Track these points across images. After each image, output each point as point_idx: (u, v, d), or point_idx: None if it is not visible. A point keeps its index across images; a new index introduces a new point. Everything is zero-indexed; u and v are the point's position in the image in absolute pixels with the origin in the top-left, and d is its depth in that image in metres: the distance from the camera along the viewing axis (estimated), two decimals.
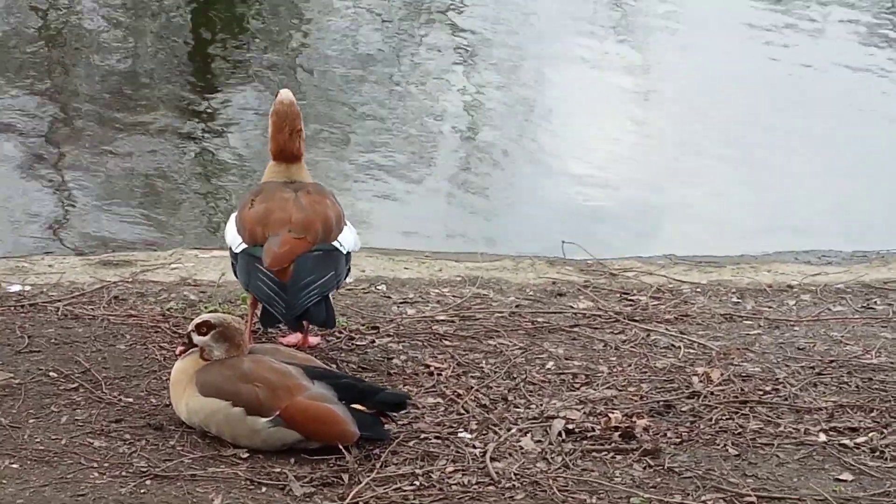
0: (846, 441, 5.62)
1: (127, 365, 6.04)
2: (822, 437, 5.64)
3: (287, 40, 12.27)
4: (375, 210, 9.11)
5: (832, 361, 6.34)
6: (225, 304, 6.65)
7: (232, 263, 6.15)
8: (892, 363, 6.33)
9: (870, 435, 5.66)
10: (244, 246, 6.02)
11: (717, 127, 10.65)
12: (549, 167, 9.93)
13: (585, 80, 11.74)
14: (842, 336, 6.67)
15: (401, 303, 6.91)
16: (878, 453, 5.53)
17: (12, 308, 6.53)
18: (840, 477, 5.36)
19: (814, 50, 12.46)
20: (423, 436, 5.57)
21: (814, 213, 9.21)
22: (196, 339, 5.56)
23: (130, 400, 5.76)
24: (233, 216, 6.20)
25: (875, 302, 7.17)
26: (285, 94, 6.21)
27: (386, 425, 5.54)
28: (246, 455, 5.41)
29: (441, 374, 6.08)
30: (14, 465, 5.27)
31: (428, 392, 5.94)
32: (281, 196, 6.08)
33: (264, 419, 5.41)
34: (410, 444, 5.51)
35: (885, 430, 5.70)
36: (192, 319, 5.65)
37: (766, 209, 9.37)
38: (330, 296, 5.88)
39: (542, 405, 5.85)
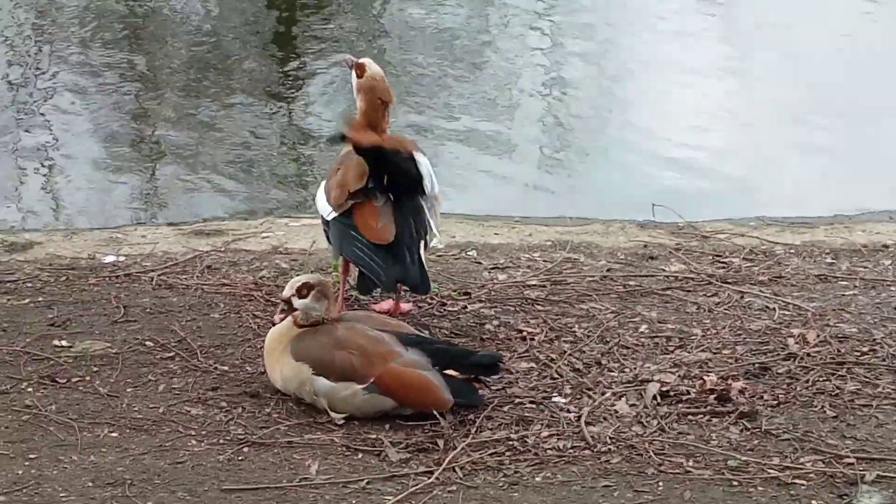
0: None
1: (221, 333, 6.09)
2: None
3: (371, 11, 12.27)
4: (465, 176, 9.08)
5: None
6: (318, 272, 6.66)
7: (325, 231, 6.16)
8: None
9: None
10: (335, 213, 6.02)
11: (812, 93, 10.52)
12: (638, 132, 9.84)
13: (675, 52, 11.61)
14: None
15: (491, 268, 6.90)
16: None
17: (107, 279, 6.61)
18: None
19: None
20: (517, 401, 5.57)
21: None
22: (297, 302, 5.57)
23: (226, 368, 5.81)
24: (322, 184, 6.21)
25: None
26: (375, 69, 6.18)
27: (480, 391, 5.54)
28: (342, 422, 5.43)
29: (534, 339, 6.07)
30: (113, 434, 5.34)
31: (521, 357, 5.93)
32: (358, 160, 6.03)
33: (359, 386, 5.43)
34: (505, 409, 5.51)
35: None
36: (285, 286, 5.67)
37: (861, 169, 9.24)
38: (425, 261, 5.87)
39: (635, 369, 5.83)
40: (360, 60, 6.24)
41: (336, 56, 10.76)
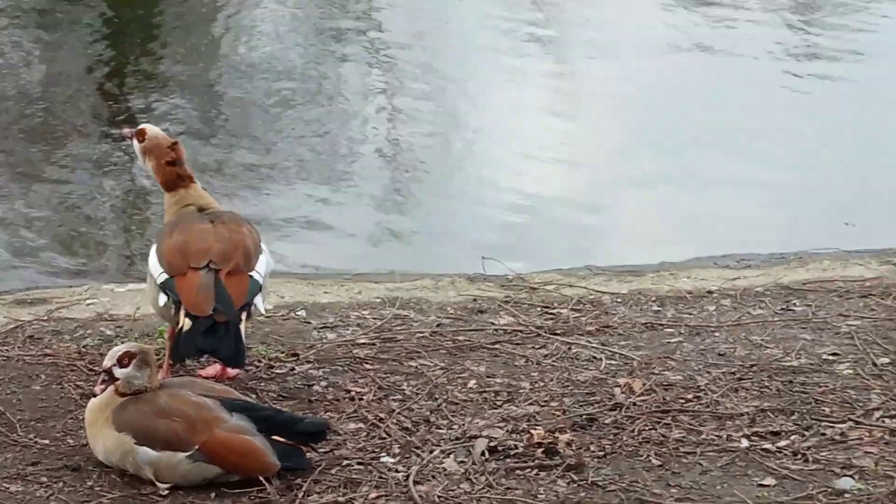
0: (768, 445, 5.62)
1: (43, 406, 5.95)
2: (745, 443, 5.64)
3: (205, 65, 12.21)
4: (295, 232, 9.05)
5: (753, 366, 6.35)
6: (143, 338, 6.57)
7: (153, 295, 6.09)
8: (811, 364, 6.36)
9: (791, 438, 5.67)
10: (165, 277, 5.97)
11: (640, 137, 10.69)
12: (469, 183, 9.91)
13: (507, 94, 11.75)
14: (762, 339, 6.69)
15: (321, 327, 6.86)
16: (799, 456, 5.53)
17: None
18: (763, 482, 5.36)
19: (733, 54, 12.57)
20: (345, 462, 5.52)
21: (733, 219, 9.21)
22: (118, 372, 5.47)
23: (47, 441, 5.67)
24: (153, 249, 6.15)
25: (794, 303, 7.19)
26: (155, 130, 6.37)
27: (307, 454, 5.49)
28: (167, 492, 5.33)
29: (362, 399, 6.04)
30: None
31: (349, 417, 5.89)
32: (199, 227, 6.07)
33: (184, 454, 5.35)
34: (333, 471, 5.46)
35: (806, 433, 5.71)
36: (106, 356, 5.56)
37: (686, 216, 9.39)
38: (243, 332, 5.82)
39: (464, 425, 5.82)
40: (140, 127, 6.40)
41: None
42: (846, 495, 5.22)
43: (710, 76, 11.95)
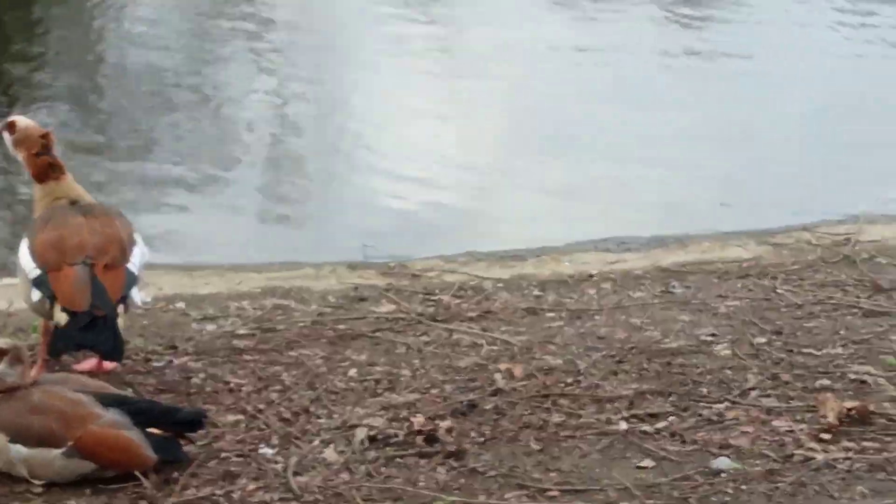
0: (647, 427, 5.65)
1: None
2: (624, 426, 5.66)
3: (86, 64, 12.06)
4: (176, 224, 8.95)
5: (632, 348, 6.39)
6: (17, 334, 6.46)
7: (25, 291, 5.99)
8: (689, 346, 6.40)
9: (669, 420, 5.70)
10: (38, 272, 5.88)
11: (524, 125, 10.72)
12: (352, 172, 9.87)
13: (392, 83, 11.74)
14: (641, 322, 6.73)
15: (200, 319, 6.80)
16: (677, 437, 5.57)
17: None
18: (641, 464, 5.38)
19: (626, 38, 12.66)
20: (223, 455, 5.46)
21: (616, 204, 9.25)
22: None
23: None
24: (24, 243, 6.04)
25: (673, 286, 7.25)
26: (25, 122, 6.26)
27: (185, 447, 5.42)
28: (41, 489, 5.25)
29: (241, 391, 5.99)
30: None
31: (228, 409, 5.83)
32: (73, 221, 5.98)
33: (58, 450, 5.26)
34: (210, 464, 5.40)
35: (683, 414, 5.75)
36: None
37: (569, 202, 9.41)
38: (119, 326, 5.74)
39: (344, 414, 5.79)
40: (9, 119, 6.28)
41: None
42: (723, 475, 5.25)
43: (594, 72, 12.01)
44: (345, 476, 5.33)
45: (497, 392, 5.97)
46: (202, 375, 6.13)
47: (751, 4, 13.93)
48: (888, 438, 5.48)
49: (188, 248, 8.36)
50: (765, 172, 9.62)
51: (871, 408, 5.65)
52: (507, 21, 13.29)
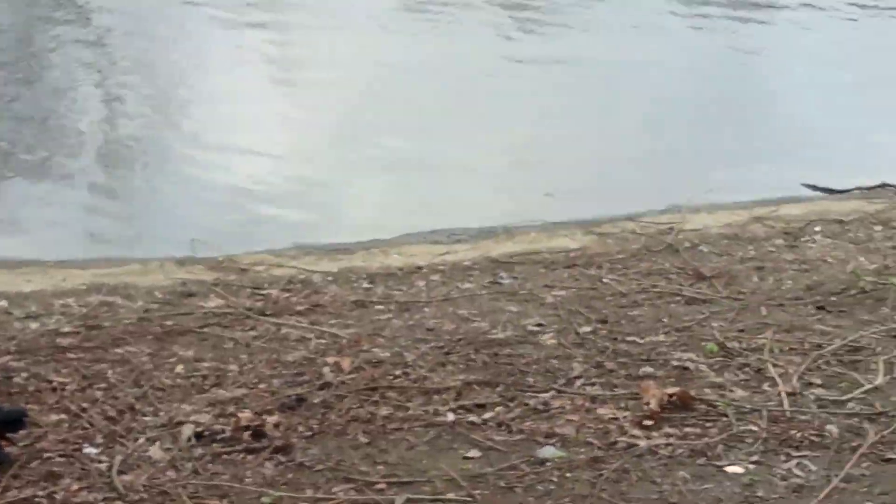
0: (474, 418, 5.69)
1: None
2: (451, 417, 5.69)
3: None
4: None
5: (460, 339, 6.43)
6: None
7: None
8: (517, 336, 6.46)
9: (496, 410, 5.75)
10: None
11: (361, 121, 10.72)
12: (181, 166, 9.78)
13: (226, 78, 11.66)
14: (469, 313, 6.78)
15: (23, 318, 6.68)
16: (504, 427, 5.61)
17: None
18: (468, 455, 5.41)
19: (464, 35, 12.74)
20: (46, 455, 5.37)
21: (448, 197, 9.30)
22: None
23: None
24: None
25: (501, 276, 7.31)
26: None
27: (6, 448, 5.32)
28: None
29: (65, 389, 5.89)
30: None
31: (51, 409, 5.73)
32: None
33: None
34: (32, 465, 5.30)
35: (510, 404, 5.80)
36: None
37: (404, 194, 9.43)
38: None
39: (170, 411, 5.73)
40: None
41: None
42: (548, 463, 5.31)
43: (432, 72, 12.07)
44: (171, 474, 5.28)
45: (325, 386, 5.96)
46: (24, 374, 6.02)
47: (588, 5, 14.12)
48: (708, 424, 5.59)
49: (9, 244, 8.19)
50: (592, 164, 9.75)
51: (692, 394, 5.77)
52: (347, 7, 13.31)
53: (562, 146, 10.04)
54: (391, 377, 6.06)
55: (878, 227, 8.01)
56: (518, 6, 13.89)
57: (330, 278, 7.30)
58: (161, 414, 5.72)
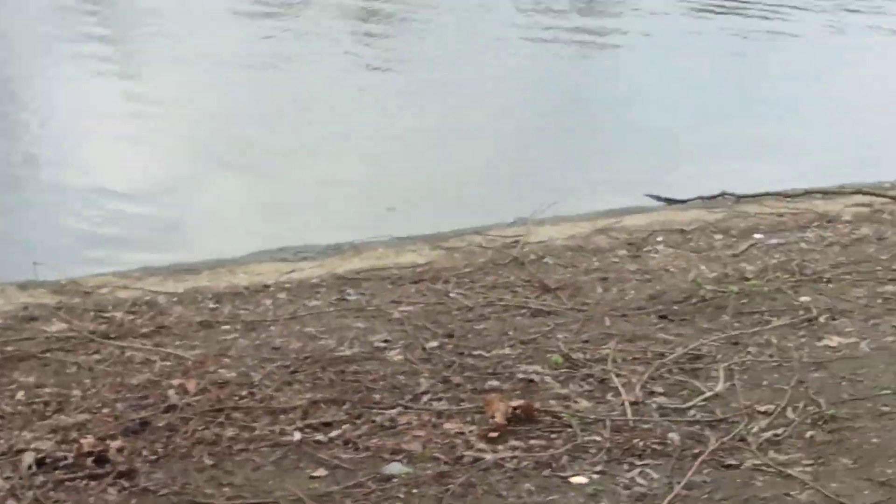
0: (320, 437, 5.68)
1: None
2: (298, 436, 5.67)
3: None
4: None
5: (307, 358, 6.41)
6: None
7: None
8: (363, 353, 6.47)
9: (343, 428, 5.74)
10: None
11: (205, 136, 10.66)
12: (22, 186, 9.63)
13: (69, 89, 11.51)
14: (316, 331, 6.76)
15: None
16: (350, 445, 5.61)
17: None
18: (315, 473, 5.40)
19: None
20: None
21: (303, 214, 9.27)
22: None
23: None
24: None
25: (348, 293, 7.31)
26: None
27: None
28: None
29: None
30: None
31: None
32: None
33: None
34: None
35: (357, 421, 5.79)
36: None
37: (247, 210, 9.39)
38: None
39: (10, 439, 5.62)
40: None
41: None
42: (394, 480, 5.32)
43: (278, 84, 12.03)
44: (11, 503, 5.19)
45: (170, 408, 5.90)
46: None
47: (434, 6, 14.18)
48: (553, 435, 5.65)
49: None
50: (439, 178, 9.80)
51: (537, 406, 5.82)
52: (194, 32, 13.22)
53: (408, 161, 10.08)
54: (237, 398, 6.02)
55: (719, 236, 8.16)
56: (361, 18, 13.91)
57: (175, 299, 7.24)
58: (1, 442, 5.62)
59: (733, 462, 5.42)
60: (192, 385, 6.10)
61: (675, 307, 7.00)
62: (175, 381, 6.15)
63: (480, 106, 11.28)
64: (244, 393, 6.07)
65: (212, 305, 7.16)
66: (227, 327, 6.85)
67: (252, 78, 12.19)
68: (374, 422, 5.80)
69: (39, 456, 5.47)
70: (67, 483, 5.34)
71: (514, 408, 5.72)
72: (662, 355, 6.39)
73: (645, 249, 7.95)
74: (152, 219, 9.10)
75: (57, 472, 5.40)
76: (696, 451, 5.49)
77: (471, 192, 9.46)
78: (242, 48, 12.84)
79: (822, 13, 15.13)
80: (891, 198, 8.71)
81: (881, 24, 14.35)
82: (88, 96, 11.50)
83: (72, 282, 7.44)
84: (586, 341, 6.59)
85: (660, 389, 6.06)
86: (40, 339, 6.65)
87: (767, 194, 8.86)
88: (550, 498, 5.19)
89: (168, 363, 6.39)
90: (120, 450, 5.52)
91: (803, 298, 7.05)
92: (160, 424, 5.78)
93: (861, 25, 14.32)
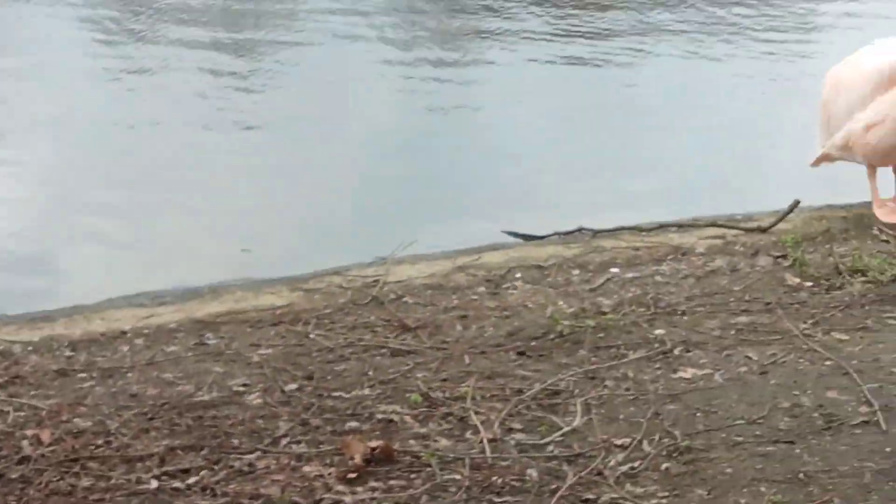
0: (178, 484, 5.64)
1: None
2: (155, 484, 5.63)
3: None
4: None
5: (164, 404, 6.36)
6: None
7: None
8: (222, 398, 6.43)
9: (201, 474, 5.71)
10: None
11: (67, 176, 10.54)
12: None
13: None
14: (174, 377, 6.71)
15: None
16: (208, 491, 5.58)
17: None
18: None
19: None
20: None
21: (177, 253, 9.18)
22: None
23: None
24: None
25: (208, 337, 7.26)
26: None
27: None
28: None
29: None
30: None
31: None
32: None
33: None
34: None
35: (215, 467, 5.76)
36: None
37: (107, 255, 9.28)
38: None
39: None
40: None
41: None
42: None
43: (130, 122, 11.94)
44: None
45: (24, 460, 5.82)
46: None
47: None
48: (412, 475, 5.66)
49: None
50: (299, 219, 9.79)
51: (396, 446, 5.83)
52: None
53: (267, 203, 10.04)
54: (93, 447, 5.95)
55: (576, 271, 8.24)
56: (222, 63, 13.87)
57: (30, 348, 7.14)
58: None
59: (591, 496, 5.48)
60: (46, 435, 6.02)
61: (534, 343, 7.06)
62: (29, 432, 6.07)
63: (337, 147, 11.28)
64: (100, 442, 6.00)
65: (68, 353, 7.08)
66: (83, 375, 6.77)
67: (111, 121, 12.06)
68: (232, 467, 5.77)
69: None
70: None
71: (373, 449, 5.72)
72: (521, 391, 6.44)
73: (504, 286, 8.00)
74: (6, 267, 8.96)
75: None
76: (554, 486, 5.54)
77: (329, 233, 9.45)
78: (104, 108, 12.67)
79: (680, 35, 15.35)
80: (743, 229, 8.87)
81: (736, 53, 14.63)
82: None
83: None
84: (445, 379, 6.61)
85: (518, 426, 6.11)
86: None
87: (623, 228, 8.97)
88: None
89: (22, 413, 6.30)
90: None
91: (658, 331, 7.15)
92: (13, 476, 5.71)
93: (716, 55, 14.57)
